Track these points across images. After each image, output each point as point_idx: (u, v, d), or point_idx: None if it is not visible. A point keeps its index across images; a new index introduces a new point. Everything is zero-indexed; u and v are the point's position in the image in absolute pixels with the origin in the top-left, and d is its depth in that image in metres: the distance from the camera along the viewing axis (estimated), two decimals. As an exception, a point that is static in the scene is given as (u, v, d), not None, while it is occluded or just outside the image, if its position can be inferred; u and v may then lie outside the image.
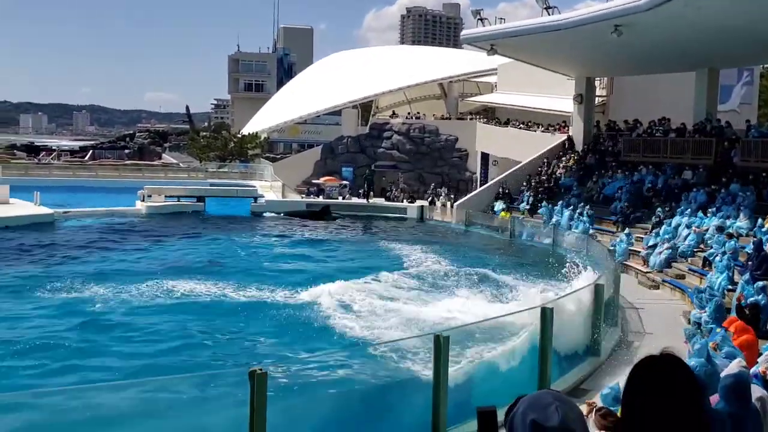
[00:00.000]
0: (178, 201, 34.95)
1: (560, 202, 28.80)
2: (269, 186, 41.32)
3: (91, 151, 64.44)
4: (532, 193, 31.35)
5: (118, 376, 11.24)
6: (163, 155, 66.83)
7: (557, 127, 36.26)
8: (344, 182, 41.36)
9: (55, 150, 68.24)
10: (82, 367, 11.80)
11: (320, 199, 38.78)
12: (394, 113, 50.60)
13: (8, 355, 12.24)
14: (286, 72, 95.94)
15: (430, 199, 38.18)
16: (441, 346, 6.74)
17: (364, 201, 38.69)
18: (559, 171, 32.28)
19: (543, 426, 1.90)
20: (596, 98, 34.89)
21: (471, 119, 46.65)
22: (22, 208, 30.31)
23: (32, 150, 65.90)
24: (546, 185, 31.54)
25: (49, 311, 15.34)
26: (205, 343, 13.43)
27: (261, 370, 6.51)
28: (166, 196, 34.80)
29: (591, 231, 25.25)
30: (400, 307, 16.46)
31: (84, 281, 18.07)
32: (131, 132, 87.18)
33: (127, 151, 64.98)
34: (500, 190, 33.19)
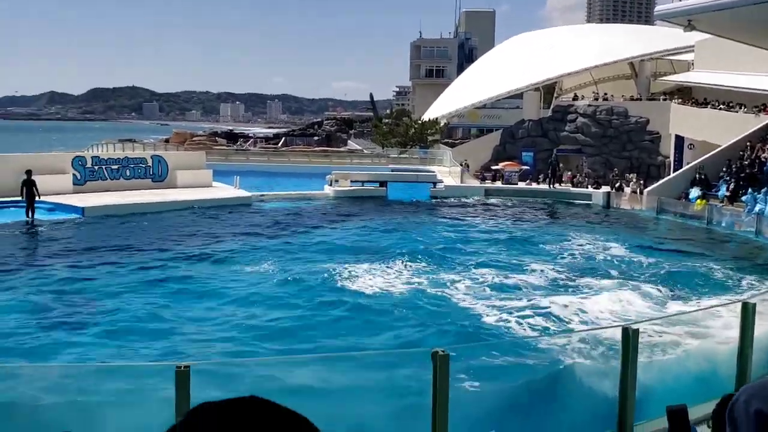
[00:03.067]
0: (362, 186, 36.20)
1: (764, 189, 26.57)
2: (448, 171, 41.65)
3: (283, 138, 68.29)
4: (732, 179, 29.15)
5: (305, 349, 11.93)
6: (349, 142, 69.38)
7: (762, 107, 33.39)
8: (524, 167, 40.74)
9: (251, 137, 73.04)
10: (271, 340, 12.64)
11: (498, 184, 38.52)
12: (576, 96, 48.99)
13: (201, 326, 13.38)
14: (467, 57, 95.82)
15: (617, 184, 36.63)
16: (630, 338, 6.51)
17: (547, 186, 37.90)
18: (763, 155, 29.74)
19: None
20: (808, 75, 31.74)
21: (664, 100, 44.13)
22: (223, 191, 32.89)
23: (231, 137, 70.89)
24: (748, 171, 29.17)
25: (247, 285, 16.57)
26: (389, 323, 13.87)
27: (443, 351, 6.64)
28: (351, 181, 36.19)
29: (800, 221, 23.11)
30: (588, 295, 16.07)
31: (280, 259, 19.38)
32: (320, 120, 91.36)
33: (315, 138, 68.19)
34: (696, 175, 31.16)
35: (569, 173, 39.56)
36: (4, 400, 7.58)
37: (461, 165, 41.24)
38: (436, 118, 55.87)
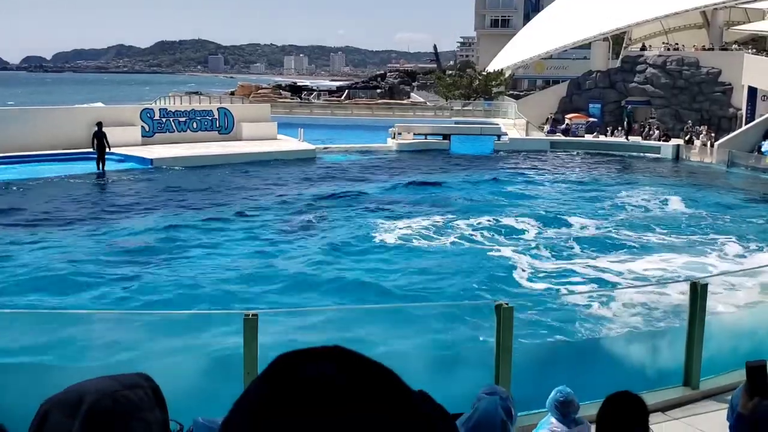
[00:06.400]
0: (425, 139, 35.97)
1: None
2: (513, 124, 40.97)
3: (346, 91, 68.17)
4: (809, 132, 27.96)
5: (357, 300, 12.10)
6: (412, 94, 68.79)
7: None
8: (591, 119, 39.74)
9: (315, 90, 73.15)
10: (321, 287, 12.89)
11: (564, 137, 37.73)
12: (644, 46, 47.32)
13: (265, 275, 13.69)
14: (533, 6, 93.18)
15: (687, 137, 35.51)
16: (698, 293, 6.42)
17: (623, 139, 37.01)
18: None
19: None
20: None
21: (737, 50, 42.26)
22: (288, 143, 33.13)
23: (295, 90, 71.11)
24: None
25: (306, 238, 16.84)
26: (457, 275, 13.95)
27: (507, 304, 6.67)
28: (414, 134, 35.97)
29: None
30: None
31: (341, 211, 19.63)
32: (382, 72, 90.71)
33: (378, 90, 67.85)
34: (770, 128, 30.01)
35: (654, 125, 38.09)
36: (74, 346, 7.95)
37: (548, 119, 40.38)
38: (501, 70, 54.76)
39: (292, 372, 0.78)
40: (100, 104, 41.72)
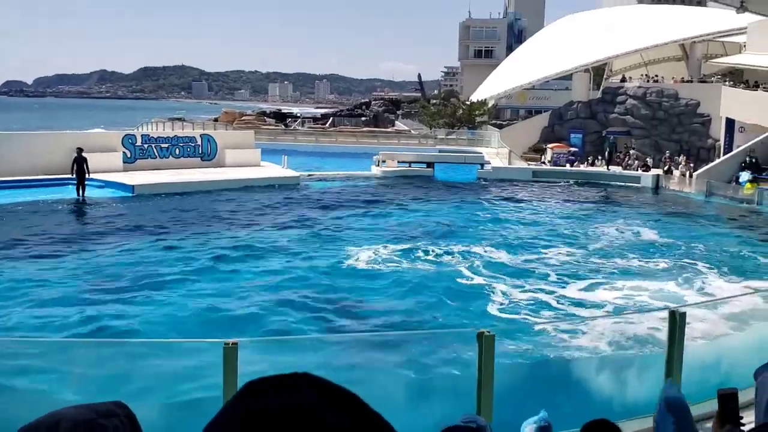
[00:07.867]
0: (409, 166, 36.16)
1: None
2: (496, 153, 41.33)
3: (331, 119, 68.46)
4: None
5: (336, 328, 12.06)
6: (396, 122, 69.18)
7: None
8: (572, 149, 40.20)
9: (299, 117, 73.36)
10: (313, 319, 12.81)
11: (547, 166, 38.08)
12: (624, 78, 48.09)
13: (245, 304, 13.61)
14: (516, 37, 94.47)
15: (666, 167, 35.97)
16: (677, 322, 6.46)
17: (605, 168, 37.48)
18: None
19: None
20: None
21: (715, 82, 43.04)
22: (271, 170, 33.09)
23: (280, 117, 71.26)
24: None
25: (290, 265, 16.78)
26: (435, 303, 13.94)
27: (489, 332, 6.67)
28: (398, 162, 36.16)
29: None
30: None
31: (321, 238, 19.58)
32: (367, 100, 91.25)
33: (363, 118, 68.20)
34: (747, 159, 30.48)
35: (633, 155, 38.50)
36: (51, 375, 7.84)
37: (544, 149, 41.08)
38: (485, 99, 55.33)
39: (260, 399, 0.80)
40: (100, 129, 41.80)
